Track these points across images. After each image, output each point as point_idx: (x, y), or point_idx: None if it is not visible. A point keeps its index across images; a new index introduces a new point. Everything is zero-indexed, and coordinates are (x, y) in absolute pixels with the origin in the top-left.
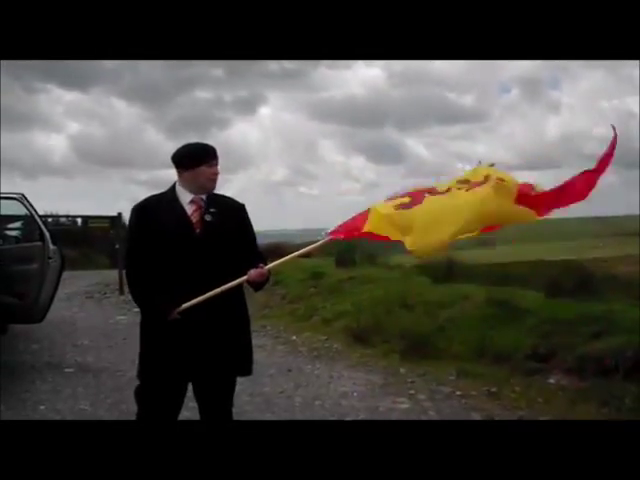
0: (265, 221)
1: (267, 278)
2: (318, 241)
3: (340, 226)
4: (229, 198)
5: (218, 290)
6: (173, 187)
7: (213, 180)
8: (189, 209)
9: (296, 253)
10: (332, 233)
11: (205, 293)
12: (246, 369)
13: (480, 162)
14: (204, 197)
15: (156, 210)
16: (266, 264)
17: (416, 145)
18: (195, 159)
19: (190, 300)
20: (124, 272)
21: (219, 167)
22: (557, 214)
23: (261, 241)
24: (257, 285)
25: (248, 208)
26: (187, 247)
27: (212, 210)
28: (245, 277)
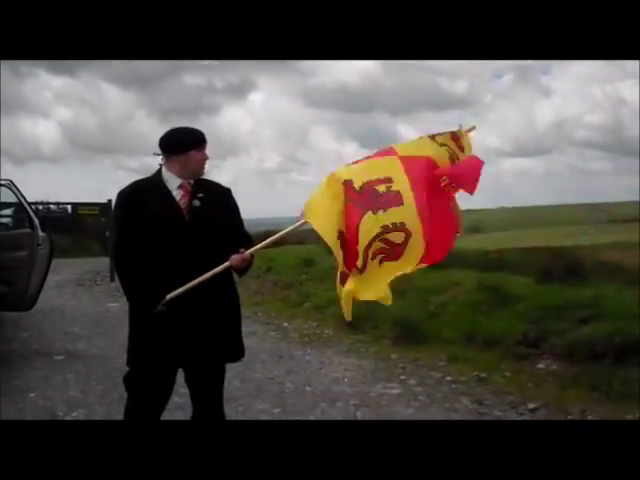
0: (257, 208)
1: (250, 262)
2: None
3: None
4: (215, 183)
5: (201, 278)
6: (159, 172)
7: (203, 165)
8: (177, 195)
9: (276, 236)
10: None
11: (194, 279)
12: (236, 355)
13: (461, 125)
14: (191, 182)
15: (144, 196)
16: (249, 248)
17: (409, 131)
18: (186, 143)
19: (178, 287)
20: (118, 259)
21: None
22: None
23: (253, 229)
24: (241, 270)
25: (239, 195)
26: (176, 233)
27: (200, 195)
28: (227, 263)
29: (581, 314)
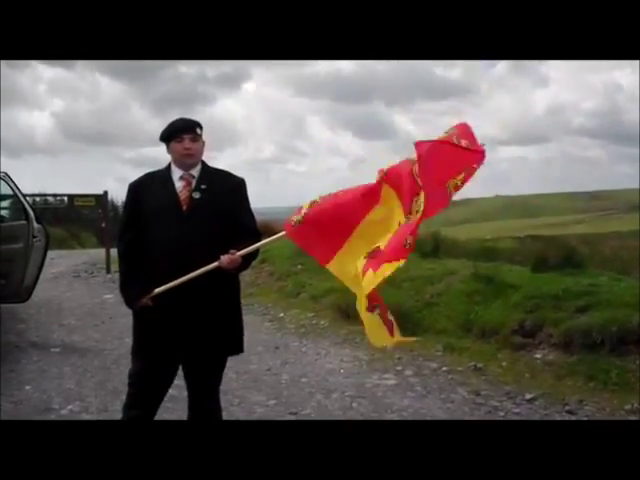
0: (253, 199)
1: (240, 265)
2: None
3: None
4: (227, 173)
5: (190, 275)
6: (169, 164)
7: (185, 155)
8: (179, 186)
9: (260, 243)
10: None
11: (190, 271)
12: (236, 348)
13: None
14: (195, 173)
15: (149, 187)
16: (256, 242)
17: (404, 120)
18: (165, 135)
19: (173, 278)
20: (117, 250)
21: (204, 142)
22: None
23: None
24: (230, 270)
25: None
26: (173, 225)
27: (202, 187)
28: (216, 263)
29: (578, 303)
